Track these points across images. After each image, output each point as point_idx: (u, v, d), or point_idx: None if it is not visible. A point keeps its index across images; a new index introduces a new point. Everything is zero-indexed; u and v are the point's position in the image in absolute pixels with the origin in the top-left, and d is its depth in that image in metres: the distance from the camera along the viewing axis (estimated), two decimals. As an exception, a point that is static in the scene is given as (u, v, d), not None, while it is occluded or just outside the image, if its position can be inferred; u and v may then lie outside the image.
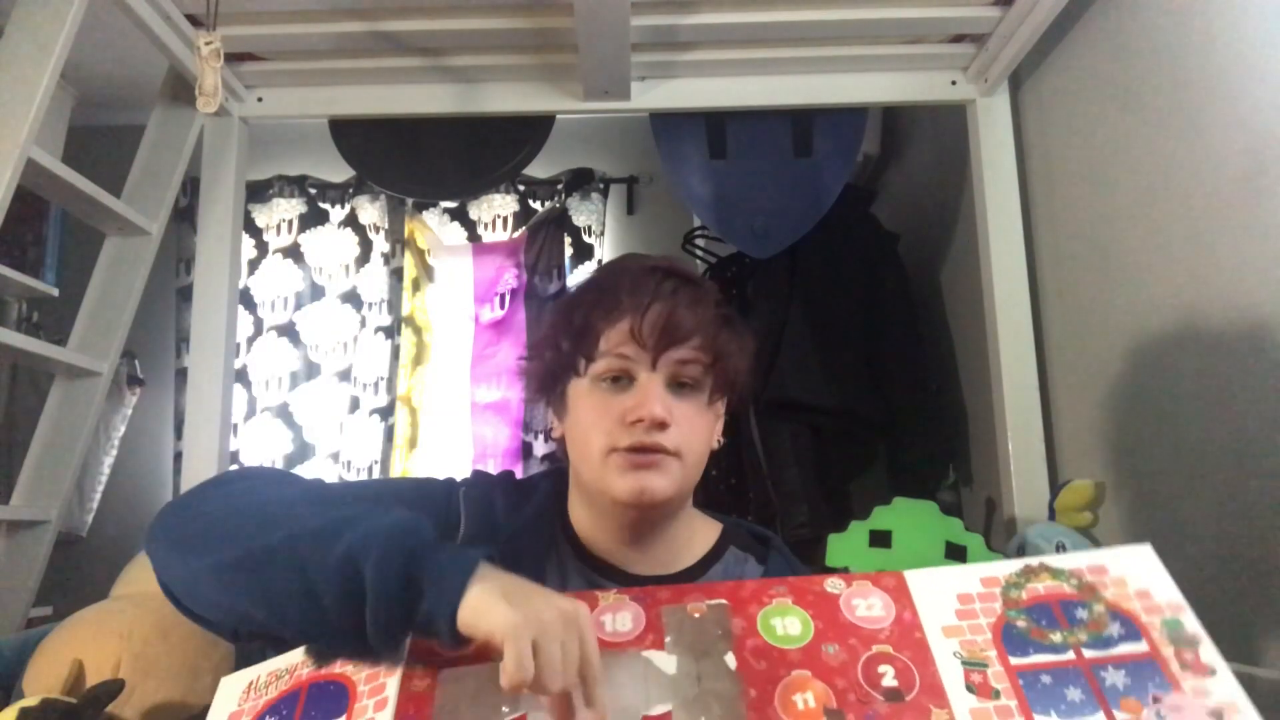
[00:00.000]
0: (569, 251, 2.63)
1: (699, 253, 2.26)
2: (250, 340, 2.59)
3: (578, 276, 2.60)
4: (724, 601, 0.70)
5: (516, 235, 2.65)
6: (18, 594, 1.46)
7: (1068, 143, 1.51)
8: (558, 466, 0.94)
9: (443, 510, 0.85)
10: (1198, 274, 1.16)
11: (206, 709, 0.70)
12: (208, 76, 1.24)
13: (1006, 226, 1.61)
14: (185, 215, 2.50)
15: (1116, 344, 1.35)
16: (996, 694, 0.64)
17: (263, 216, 2.66)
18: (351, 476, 2.52)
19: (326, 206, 2.68)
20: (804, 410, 1.86)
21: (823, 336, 1.87)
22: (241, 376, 2.55)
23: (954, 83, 1.68)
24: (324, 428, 2.56)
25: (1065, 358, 1.53)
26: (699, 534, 0.91)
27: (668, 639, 0.67)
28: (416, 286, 2.65)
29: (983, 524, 1.74)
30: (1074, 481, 1.35)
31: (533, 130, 1.96)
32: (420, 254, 2.66)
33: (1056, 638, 0.67)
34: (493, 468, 2.48)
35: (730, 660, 0.66)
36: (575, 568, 0.87)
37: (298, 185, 2.68)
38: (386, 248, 2.64)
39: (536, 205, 2.69)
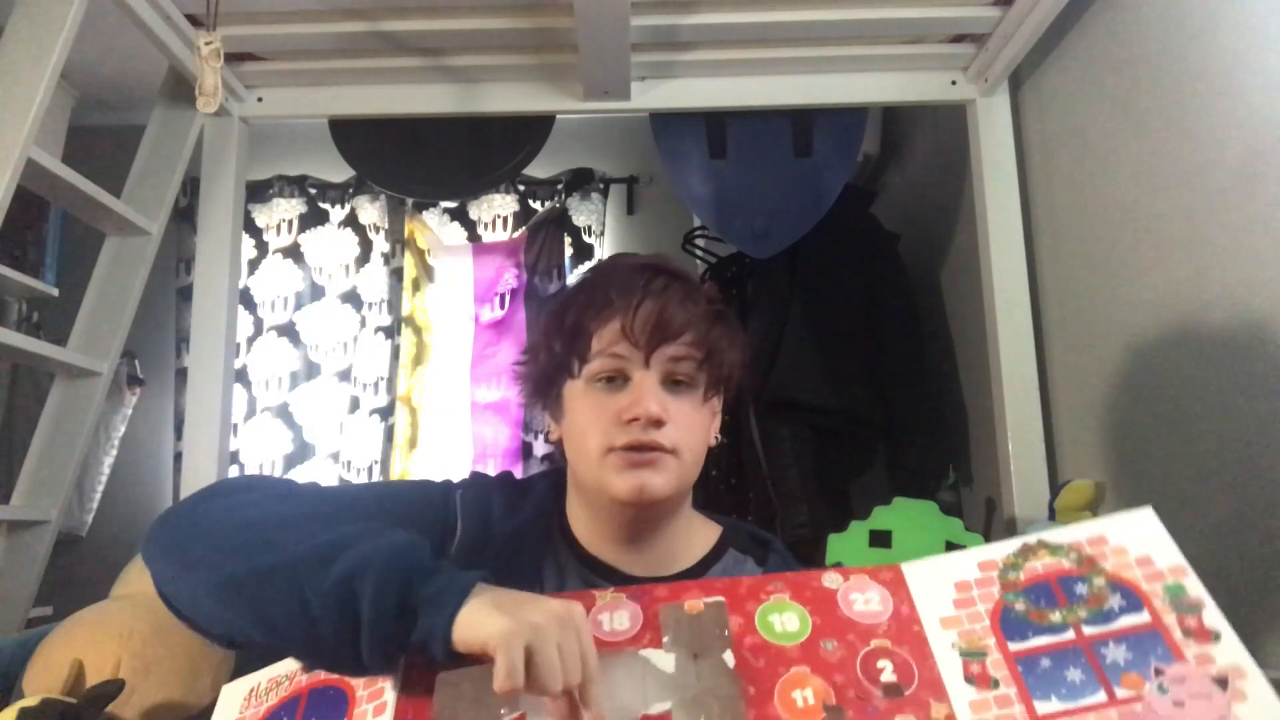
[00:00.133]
0: (569, 251, 2.63)
1: (699, 253, 2.26)
2: (250, 340, 2.59)
3: (578, 276, 2.60)
4: (721, 599, 0.70)
5: (516, 235, 2.65)
6: (18, 594, 1.46)
7: (1068, 143, 1.51)
8: (556, 468, 0.94)
9: (440, 515, 0.85)
10: (1198, 273, 1.16)
11: (206, 709, 0.70)
12: (208, 76, 1.24)
13: (1006, 226, 1.61)
14: (185, 215, 2.50)
15: (1116, 344, 1.35)
16: (995, 683, 0.63)
17: (263, 216, 2.66)
18: (351, 476, 2.52)
19: (326, 206, 2.69)
20: (804, 410, 1.86)
21: (823, 336, 1.87)
22: (241, 376, 2.55)
23: (954, 83, 1.68)
24: (324, 428, 2.56)
25: (1065, 358, 1.53)
26: (698, 535, 0.91)
27: (665, 638, 0.67)
28: (416, 286, 2.65)
29: (983, 524, 1.74)
30: (1074, 481, 1.35)
31: (533, 130, 1.96)
32: (420, 254, 2.66)
33: (1056, 617, 0.66)
34: (493, 468, 2.50)
35: (729, 658, 0.66)
36: (573, 568, 0.86)
37: (298, 185, 2.68)
38: (386, 248, 2.64)
39: (536, 205, 2.69)
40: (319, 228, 2.67)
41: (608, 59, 1.53)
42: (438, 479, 0.91)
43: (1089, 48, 1.43)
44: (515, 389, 0.94)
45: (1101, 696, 0.61)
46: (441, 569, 0.65)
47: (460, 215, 2.70)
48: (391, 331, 2.60)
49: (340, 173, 2.62)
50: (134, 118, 1.79)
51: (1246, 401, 1.07)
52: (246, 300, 2.59)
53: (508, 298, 2.59)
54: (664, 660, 0.66)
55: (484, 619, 0.60)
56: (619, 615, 0.69)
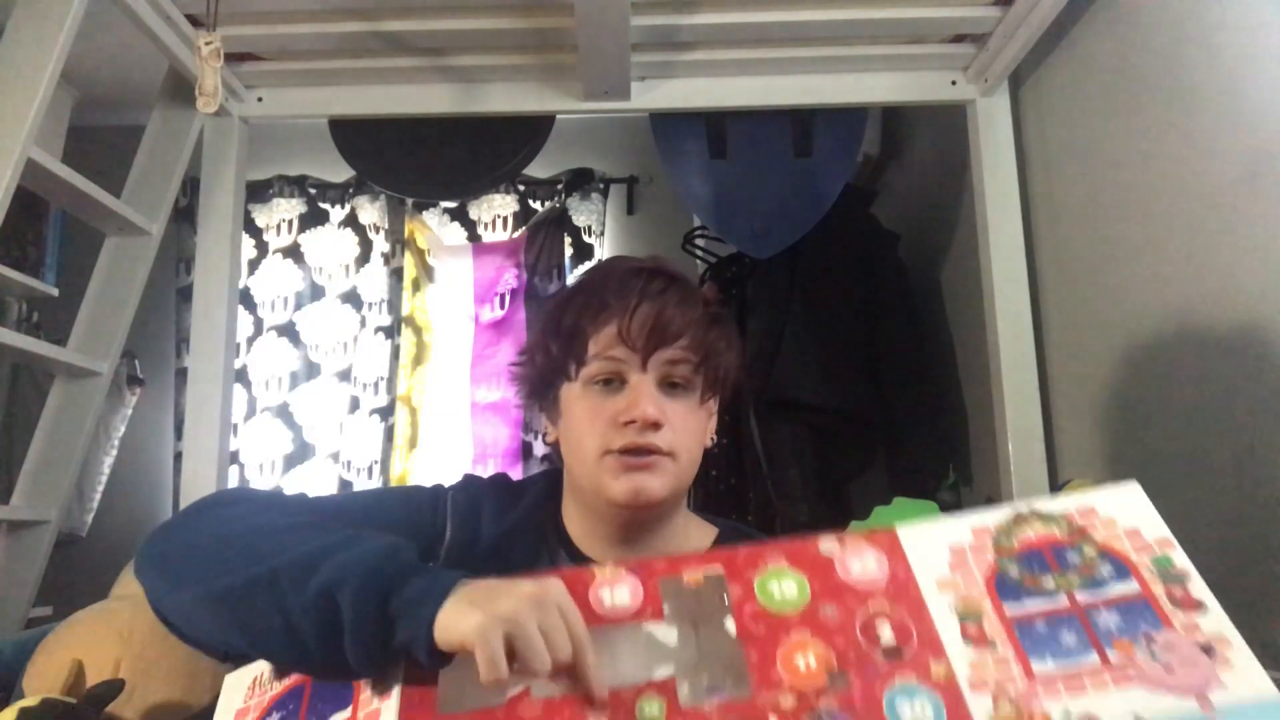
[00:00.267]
0: (569, 251, 2.62)
1: (699, 253, 2.26)
2: (250, 340, 2.59)
3: (577, 277, 2.60)
4: (720, 570, 0.70)
5: (516, 235, 2.65)
6: (18, 594, 1.46)
7: (1068, 143, 1.51)
8: (553, 469, 0.94)
9: (429, 521, 0.85)
10: (1198, 274, 1.16)
11: (206, 709, 0.70)
12: (208, 76, 1.24)
13: (1006, 226, 1.61)
14: (185, 215, 2.50)
15: (1117, 343, 1.35)
16: (993, 644, 0.65)
17: (263, 216, 2.66)
18: (351, 477, 2.52)
19: (326, 206, 2.68)
20: (804, 410, 1.86)
21: (823, 336, 1.87)
22: (241, 376, 2.55)
23: (954, 83, 1.68)
24: (324, 428, 2.56)
25: (1065, 358, 1.53)
26: (694, 536, 0.91)
27: (666, 610, 0.68)
28: (416, 286, 2.65)
29: (983, 524, 1.74)
30: (1074, 481, 1.35)
31: (533, 130, 1.96)
32: (420, 254, 2.66)
33: (1049, 584, 0.68)
34: (493, 468, 2.50)
35: (730, 626, 0.66)
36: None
37: (298, 185, 2.68)
38: (386, 248, 2.64)
39: (536, 205, 2.69)
40: (319, 228, 2.66)
41: (608, 59, 1.53)
42: (430, 484, 0.91)
43: (1089, 48, 1.43)
44: (514, 389, 0.95)
45: (1095, 659, 0.63)
46: (420, 572, 0.65)
47: (460, 215, 2.70)
48: (391, 331, 2.60)
49: (340, 173, 2.62)
50: (134, 118, 1.79)
51: (1246, 401, 1.07)
52: (246, 300, 2.59)
53: (508, 298, 2.59)
54: (666, 632, 0.66)
55: (458, 618, 0.60)
56: (619, 590, 0.69)
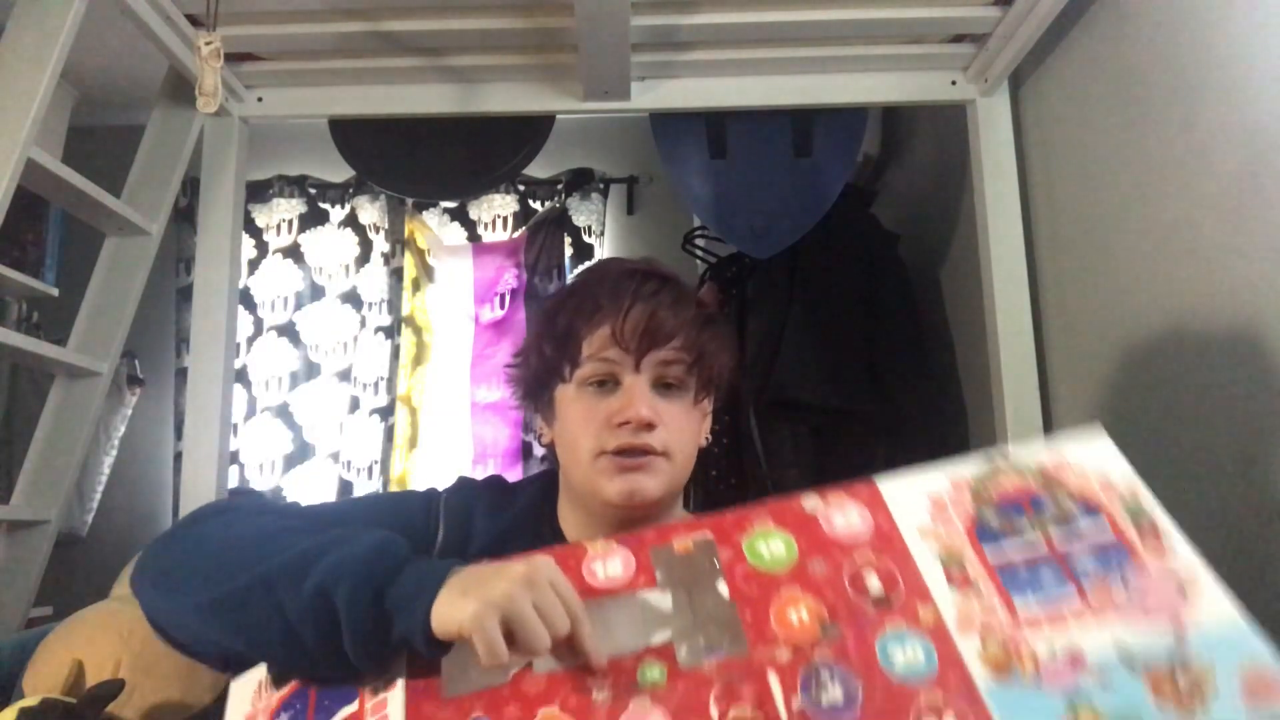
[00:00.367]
0: (569, 251, 2.63)
1: (699, 253, 2.26)
2: (250, 340, 2.59)
3: (572, 278, 2.60)
4: (708, 534, 0.72)
5: (516, 235, 2.65)
6: (18, 594, 1.46)
7: (1068, 143, 1.51)
8: (548, 470, 0.95)
9: (421, 524, 0.86)
10: (1198, 274, 1.16)
11: (206, 709, 0.70)
12: (208, 76, 1.24)
13: (1006, 226, 1.61)
14: (185, 215, 2.50)
15: (1117, 343, 1.35)
16: (977, 586, 0.67)
17: (263, 216, 2.66)
18: (351, 477, 2.52)
19: (326, 206, 2.68)
20: (804, 410, 1.86)
21: (823, 336, 1.87)
22: (241, 376, 2.55)
23: (954, 83, 1.68)
24: (324, 428, 2.56)
25: (1065, 358, 1.53)
26: None
27: (659, 577, 0.69)
28: (416, 286, 2.65)
29: (983, 524, 1.74)
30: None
31: (533, 130, 1.96)
32: (420, 254, 2.66)
33: (1027, 530, 0.71)
34: (493, 468, 2.50)
35: (723, 589, 0.68)
36: None
37: (298, 185, 2.68)
38: (386, 248, 2.64)
39: (536, 205, 2.69)
40: (319, 228, 2.67)
41: (608, 59, 1.53)
42: (423, 488, 0.92)
43: (1089, 48, 1.43)
44: (510, 391, 0.95)
45: (1075, 596, 0.66)
46: (412, 564, 0.65)
47: (460, 215, 2.70)
48: (391, 331, 2.60)
49: (340, 173, 2.62)
50: (134, 118, 1.79)
51: (1246, 401, 1.07)
52: (246, 300, 2.59)
53: (508, 298, 2.59)
54: (661, 599, 0.68)
55: (453, 608, 0.60)
56: (611, 562, 0.71)
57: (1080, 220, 1.47)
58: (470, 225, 2.70)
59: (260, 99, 1.73)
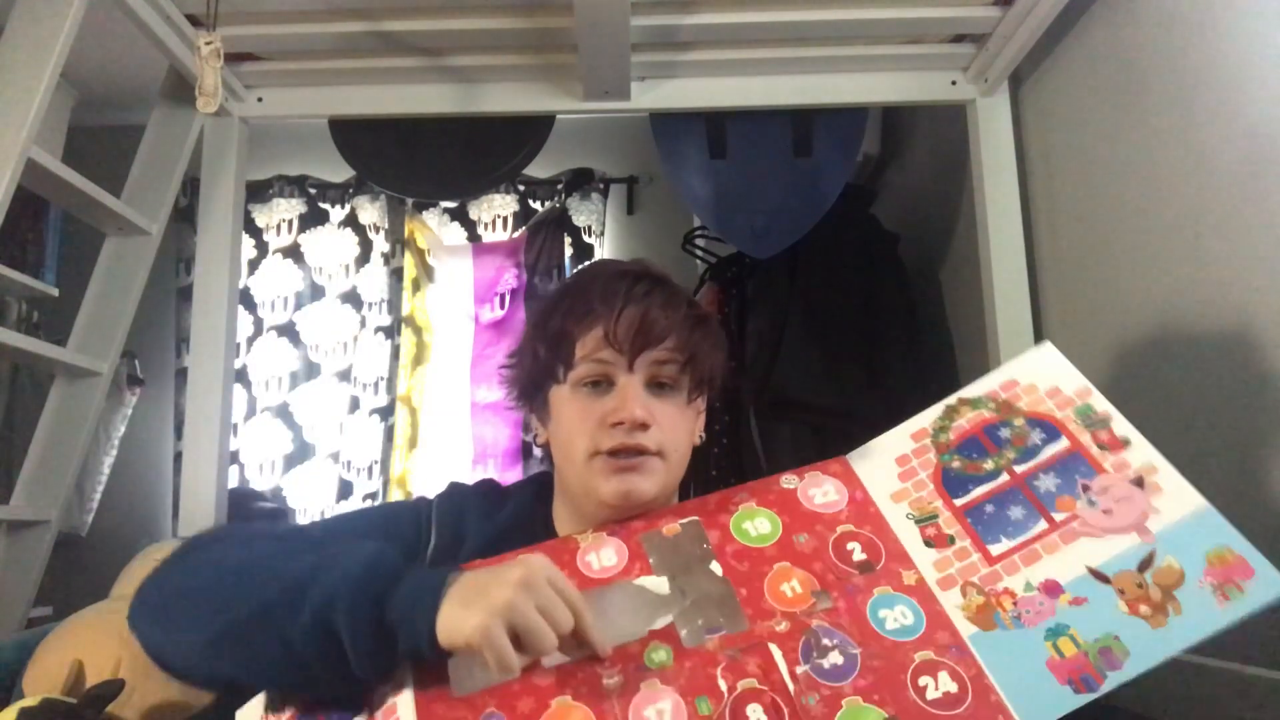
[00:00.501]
0: (569, 251, 2.63)
1: (699, 253, 2.26)
2: (250, 340, 2.59)
3: (565, 280, 2.59)
4: (695, 518, 0.75)
5: (516, 235, 2.65)
6: (18, 594, 1.46)
7: (1068, 143, 1.51)
8: (542, 472, 0.95)
9: (412, 534, 0.86)
10: (1197, 274, 1.16)
11: (206, 709, 0.70)
12: (208, 76, 1.24)
13: (1006, 226, 1.61)
14: (185, 215, 2.50)
15: (1116, 343, 1.35)
16: (951, 540, 0.71)
17: (263, 216, 2.66)
18: (351, 477, 2.52)
19: (326, 206, 2.68)
20: (804, 410, 1.86)
21: (823, 336, 1.87)
22: (241, 376, 2.55)
23: (954, 83, 1.68)
24: (324, 428, 2.56)
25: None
26: None
27: (653, 563, 0.72)
28: (416, 286, 2.65)
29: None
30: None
31: (533, 130, 1.96)
32: (420, 254, 2.66)
33: (989, 465, 0.74)
34: (493, 468, 2.50)
35: (716, 568, 0.71)
36: None
37: (298, 185, 2.68)
38: (386, 248, 2.64)
39: (536, 205, 2.69)
40: (319, 228, 2.67)
41: (608, 59, 1.53)
42: (414, 497, 0.92)
43: (1089, 48, 1.43)
44: (505, 391, 0.95)
45: (1043, 525, 0.70)
46: (409, 576, 0.65)
47: (460, 215, 2.70)
48: (391, 331, 2.60)
49: (340, 173, 2.62)
50: (134, 118, 1.79)
51: (1246, 401, 1.07)
52: (246, 300, 2.59)
53: (508, 298, 2.59)
54: (657, 583, 0.70)
55: (457, 622, 0.61)
56: (605, 552, 0.73)
57: (1080, 220, 1.47)
58: (470, 225, 2.70)
59: (260, 99, 1.73)
